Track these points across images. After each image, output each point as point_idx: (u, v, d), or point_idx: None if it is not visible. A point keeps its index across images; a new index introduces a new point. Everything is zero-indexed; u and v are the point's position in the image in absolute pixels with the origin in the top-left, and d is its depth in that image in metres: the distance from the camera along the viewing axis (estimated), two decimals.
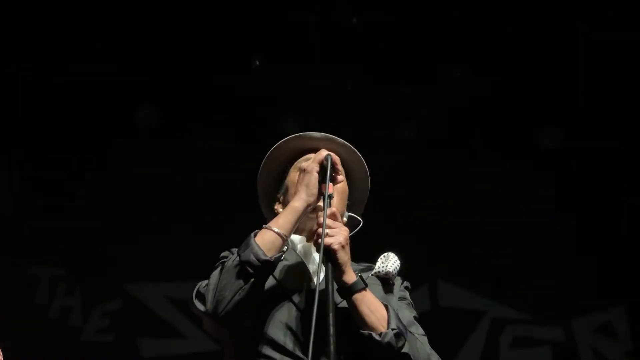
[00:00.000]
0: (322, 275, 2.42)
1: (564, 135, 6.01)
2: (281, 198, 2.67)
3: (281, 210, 2.61)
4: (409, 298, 2.66)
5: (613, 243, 6.00)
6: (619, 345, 6.10)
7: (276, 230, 2.38)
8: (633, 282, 5.97)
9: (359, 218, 2.63)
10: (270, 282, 2.41)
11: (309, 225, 2.51)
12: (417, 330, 2.55)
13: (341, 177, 2.51)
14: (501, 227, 6.00)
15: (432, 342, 2.59)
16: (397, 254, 2.65)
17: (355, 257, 2.66)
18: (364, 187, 2.74)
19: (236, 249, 2.46)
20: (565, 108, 5.91)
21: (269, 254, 2.34)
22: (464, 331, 6.05)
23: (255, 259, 2.31)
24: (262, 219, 2.58)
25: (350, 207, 2.66)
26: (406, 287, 2.68)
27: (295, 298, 2.44)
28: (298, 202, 2.43)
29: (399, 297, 2.62)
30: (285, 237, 2.40)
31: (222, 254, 2.53)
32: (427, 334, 2.61)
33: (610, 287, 6.02)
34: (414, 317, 2.58)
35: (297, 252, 2.55)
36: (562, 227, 6.04)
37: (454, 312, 6.05)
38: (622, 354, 6.07)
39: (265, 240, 2.36)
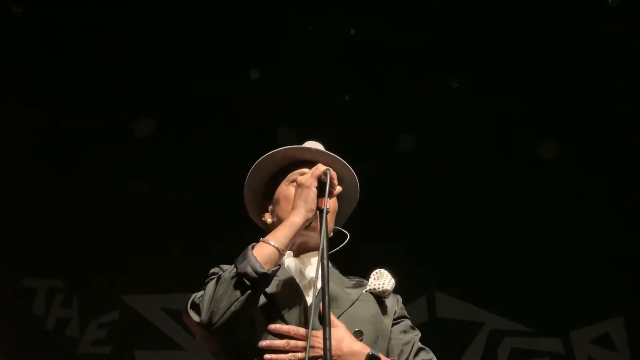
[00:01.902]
0: (314, 291, 2.43)
1: (561, 146, 6.01)
2: (270, 208, 2.66)
3: (270, 220, 2.62)
4: (407, 314, 2.66)
5: (611, 253, 6.00)
6: (618, 356, 6.09)
7: (273, 244, 2.37)
8: (631, 292, 5.97)
9: (346, 232, 2.62)
10: (261, 298, 2.40)
11: (297, 239, 2.50)
12: (427, 356, 2.57)
13: (337, 191, 2.49)
14: (499, 239, 6.00)
15: None
16: (390, 268, 2.64)
17: (349, 271, 2.66)
18: (353, 200, 2.74)
19: (225, 266, 2.46)
20: (562, 120, 5.91)
21: (266, 267, 2.33)
22: (462, 343, 6.04)
23: (252, 271, 2.30)
24: (256, 233, 2.57)
25: (335, 220, 2.65)
26: (402, 303, 2.68)
27: (287, 313, 2.43)
28: (297, 218, 2.41)
29: (401, 316, 2.62)
30: (282, 252, 2.39)
31: (212, 271, 2.52)
32: (425, 345, 2.61)
33: (608, 298, 6.02)
34: (419, 339, 2.60)
35: (286, 266, 2.52)
36: (560, 239, 6.04)
37: (451, 324, 6.04)
38: None
39: (262, 254, 2.35)
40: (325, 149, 2.69)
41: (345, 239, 2.58)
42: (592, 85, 5.70)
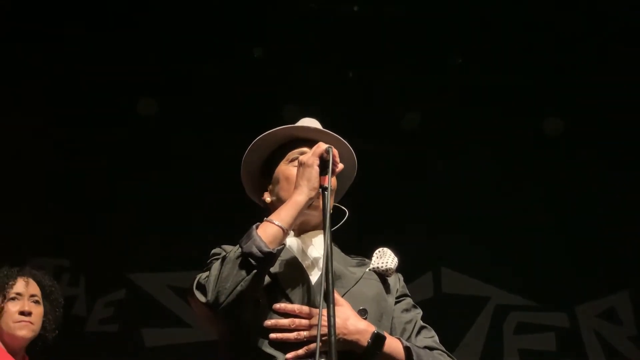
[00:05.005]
0: (317, 270, 2.44)
1: (566, 124, 6.00)
2: (270, 187, 2.64)
3: (269, 200, 2.61)
4: (408, 292, 2.66)
5: (616, 228, 5.99)
6: (623, 330, 6.10)
7: (277, 223, 2.36)
8: (636, 267, 5.97)
9: (345, 209, 2.61)
10: (265, 278, 2.39)
11: (299, 218, 2.48)
12: (429, 334, 2.56)
13: (339, 168, 2.47)
14: (504, 213, 5.99)
15: (435, 330, 2.59)
16: (396, 244, 2.64)
17: (353, 249, 2.65)
18: (350, 178, 2.72)
19: (227, 246, 2.45)
20: (567, 98, 5.90)
21: (271, 246, 2.32)
22: (468, 318, 6.06)
23: (257, 251, 2.29)
24: (260, 212, 2.56)
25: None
26: (405, 281, 2.68)
27: (291, 293, 2.42)
28: (300, 197, 2.40)
29: (402, 294, 2.62)
30: (286, 231, 2.38)
31: (213, 251, 2.51)
32: (431, 321, 2.61)
33: (613, 272, 6.02)
34: (420, 317, 2.60)
35: (288, 246, 2.50)
36: (566, 213, 6.03)
37: (457, 299, 6.06)
38: (625, 339, 6.07)
39: (267, 233, 2.34)
40: (327, 127, 2.67)
41: (345, 216, 2.57)
42: (596, 62, 5.68)
